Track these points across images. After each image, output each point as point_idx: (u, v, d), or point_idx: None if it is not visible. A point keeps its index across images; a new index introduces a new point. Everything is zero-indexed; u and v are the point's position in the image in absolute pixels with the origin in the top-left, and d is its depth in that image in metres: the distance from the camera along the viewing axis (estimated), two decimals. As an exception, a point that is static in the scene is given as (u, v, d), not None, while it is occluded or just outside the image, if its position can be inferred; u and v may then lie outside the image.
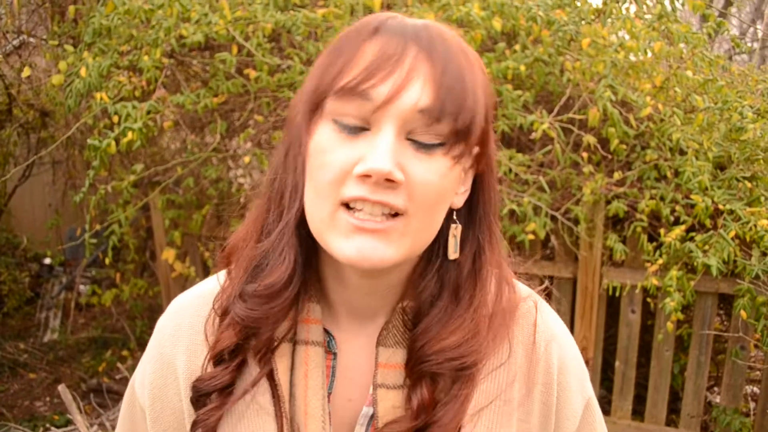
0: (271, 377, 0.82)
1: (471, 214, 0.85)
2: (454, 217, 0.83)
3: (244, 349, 0.82)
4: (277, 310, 0.80)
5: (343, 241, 0.73)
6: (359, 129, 0.73)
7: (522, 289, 0.93)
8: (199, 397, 0.84)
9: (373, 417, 0.82)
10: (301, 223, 0.80)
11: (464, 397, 0.80)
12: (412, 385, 0.81)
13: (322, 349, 0.84)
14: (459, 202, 0.83)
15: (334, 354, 0.87)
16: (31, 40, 4.02)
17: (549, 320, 0.92)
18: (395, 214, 0.74)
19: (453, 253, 0.83)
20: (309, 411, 0.81)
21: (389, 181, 0.71)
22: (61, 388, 2.96)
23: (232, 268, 0.86)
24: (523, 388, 0.86)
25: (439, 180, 0.74)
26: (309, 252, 0.83)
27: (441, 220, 0.79)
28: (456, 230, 0.83)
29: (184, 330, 0.89)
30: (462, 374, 0.80)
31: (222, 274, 0.89)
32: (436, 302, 0.83)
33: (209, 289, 0.91)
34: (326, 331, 0.87)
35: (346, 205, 0.73)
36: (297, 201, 0.80)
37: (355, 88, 0.71)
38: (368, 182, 0.71)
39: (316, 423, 0.81)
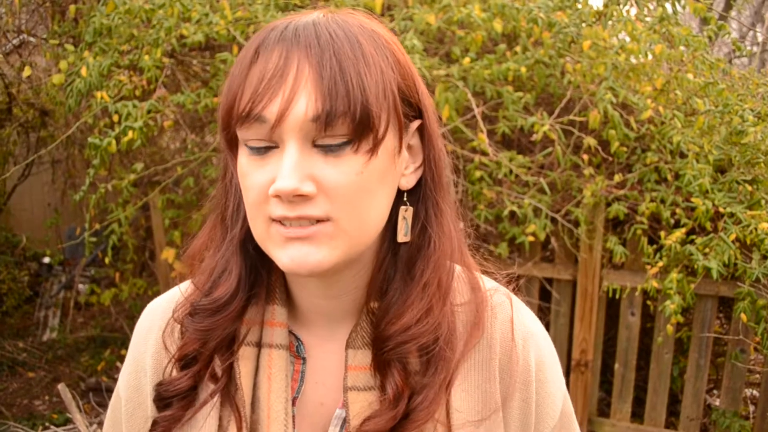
0: (233, 381, 0.84)
1: (417, 190, 0.84)
2: (405, 199, 0.83)
3: (204, 356, 0.84)
4: (222, 322, 0.83)
5: (280, 252, 0.76)
6: (267, 148, 0.74)
7: (487, 281, 0.92)
8: (161, 400, 0.86)
9: (346, 420, 0.82)
10: (248, 239, 0.84)
11: (441, 383, 0.80)
12: (383, 374, 0.81)
13: (287, 352, 0.85)
14: (408, 182, 0.83)
15: (304, 359, 0.88)
16: (32, 39, 4.01)
17: (525, 317, 0.91)
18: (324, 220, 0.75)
19: (403, 236, 0.83)
20: (271, 414, 0.82)
21: (301, 196, 0.72)
22: (61, 387, 2.96)
23: (195, 280, 0.89)
24: (503, 385, 0.85)
25: (356, 179, 0.74)
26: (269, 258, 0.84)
27: (380, 211, 0.79)
28: (407, 213, 0.83)
29: (154, 332, 0.92)
30: (430, 357, 0.80)
31: (186, 284, 0.92)
32: (391, 284, 0.83)
33: (179, 294, 0.94)
34: (295, 337, 0.88)
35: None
36: (239, 221, 0.84)
37: (249, 115, 0.73)
38: (283, 201, 0.73)
39: (278, 426, 0.81)
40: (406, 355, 0.80)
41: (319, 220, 0.74)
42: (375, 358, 0.81)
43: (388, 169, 0.77)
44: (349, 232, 0.76)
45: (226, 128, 0.77)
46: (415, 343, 0.80)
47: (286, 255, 0.75)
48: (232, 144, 0.79)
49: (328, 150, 0.73)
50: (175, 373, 0.86)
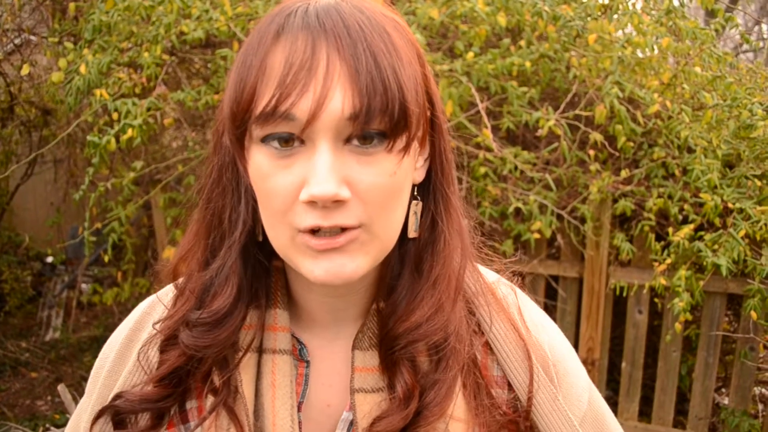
0: (234, 389, 0.79)
1: (425, 183, 0.80)
2: (415, 193, 0.79)
3: (189, 372, 0.79)
4: (224, 337, 0.78)
5: (311, 264, 0.71)
6: (294, 145, 0.68)
7: (489, 274, 0.90)
8: (125, 415, 0.80)
9: (353, 423, 0.79)
10: (249, 243, 0.79)
11: (450, 381, 0.77)
12: (391, 373, 0.78)
13: (291, 357, 0.81)
14: (419, 176, 0.79)
15: (307, 362, 0.84)
16: (33, 38, 3.99)
17: (530, 308, 0.90)
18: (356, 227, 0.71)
19: (413, 231, 0.79)
20: (277, 422, 0.78)
21: (337, 201, 0.67)
22: (61, 387, 2.93)
23: (180, 289, 0.83)
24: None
25: (390, 179, 0.70)
26: (271, 260, 0.80)
27: (404, 210, 0.76)
28: (417, 207, 0.79)
29: (132, 350, 0.87)
30: (440, 355, 0.77)
31: (165, 293, 0.88)
32: (398, 281, 0.79)
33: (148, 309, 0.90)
34: (297, 340, 0.84)
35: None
36: (240, 225, 0.78)
37: (275, 112, 0.66)
38: (317, 207, 0.68)
39: None
40: (415, 353, 0.77)
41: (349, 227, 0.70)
42: (383, 358, 0.78)
43: (411, 165, 0.74)
44: (380, 236, 0.72)
45: (238, 124, 0.70)
46: (425, 342, 0.77)
47: (319, 267, 0.70)
48: (241, 141, 0.72)
49: (363, 150, 0.68)
50: (149, 387, 0.81)
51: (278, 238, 0.73)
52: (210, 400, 0.79)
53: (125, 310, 5.21)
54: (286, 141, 0.68)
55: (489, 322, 0.84)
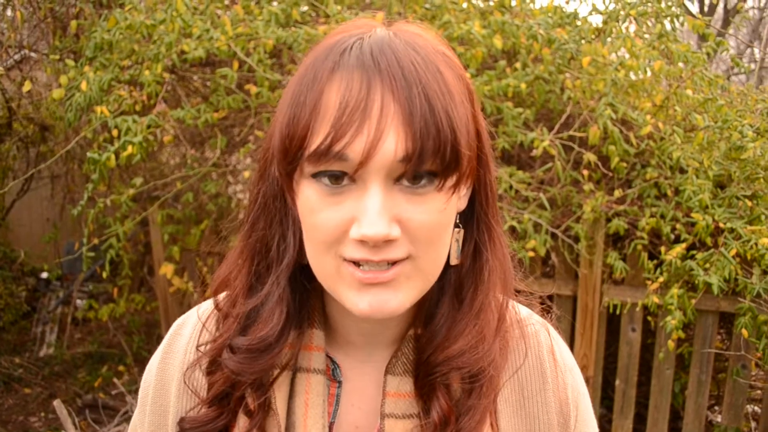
0: (267, 406, 0.80)
1: (469, 212, 0.82)
2: (457, 221, 0.80)
3: (239, 393, 0.81)
4: (269, 364, 0.79)
5: (354, 296, 0.72)
6: (344, 183, 0.69)
7: (521, 309, 0.90)
8: None
9: None
10: (297, 271, 0.80)
11: (484, 408, 0.78)
12: (427, 398, 0.78)
13: (324, 377, 0.82)
14: (462, 204, 0.80)
15: (339, 382, 0.86)
16: (33, 54, 4.02)
17: (563, 349, 0.91)
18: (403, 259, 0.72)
19: (455, 258, 0.80)
20: None
21: (388, 241, 0.69)
22: (57, 403, 2.93)
23: (224, 313, 0.84)
24: (544, 417, 0.85)
25: (439, 217, 0.71)
26: (311, 282, 0.81)
27: (449, 241, 0.76)
28: (458, 234, 0.80)
29: (176, 370, 0.89)
30: (476, 383, 0.78)
31: (205, 310, 0.89)
32: (437, 308, 0.80)
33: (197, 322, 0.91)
34: (331, 360, 0.85)
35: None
36: (288, 253, 0.79)
37: (329, 151, 0.67)
38: (366, 245, 0.69)
39: None
40: (451, 380, 0.78)
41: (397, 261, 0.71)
42: (420, 384, 0.79)
43: (458, 198, 0.75)
44: (426, 270, 0.73)
45: (290, 160, 0.71)
46: (467, 370, 0.77)
47: (363, 301, 0.71)
48: (291, 174, 0.73)
49: (413, 190, 0.69)
50: (204, 410, 0.83)
51: (323, 268, 0.74)
52: (242, 419, 0.80)
53: (120, 326, 5.21)
54: (337, 178, 0.69)
55: (522, 357, 0.86)
